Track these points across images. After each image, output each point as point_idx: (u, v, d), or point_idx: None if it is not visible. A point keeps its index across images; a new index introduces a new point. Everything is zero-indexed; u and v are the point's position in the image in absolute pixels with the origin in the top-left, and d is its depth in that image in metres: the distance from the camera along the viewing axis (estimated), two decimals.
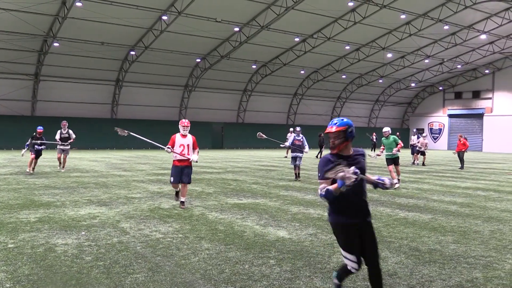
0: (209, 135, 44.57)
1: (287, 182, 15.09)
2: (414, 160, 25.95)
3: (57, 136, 17.79)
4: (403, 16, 34.43)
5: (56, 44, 32.71)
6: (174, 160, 9.91)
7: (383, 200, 11.32)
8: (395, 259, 6.12)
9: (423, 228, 8.07)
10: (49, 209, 9.35)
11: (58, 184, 13.70)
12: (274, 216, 8.99)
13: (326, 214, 9.27)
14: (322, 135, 31.66)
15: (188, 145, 9.90)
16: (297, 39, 37.55)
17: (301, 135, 16.29)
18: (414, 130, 27.23)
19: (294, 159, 16.01)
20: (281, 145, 16.57)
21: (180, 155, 9.77)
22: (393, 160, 14.42)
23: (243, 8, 31.70)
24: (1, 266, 5.53)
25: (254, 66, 42.94)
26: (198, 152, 10.08)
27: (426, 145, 25.82)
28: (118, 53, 36.60)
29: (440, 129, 57.24)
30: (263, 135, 16.83)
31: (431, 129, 57.70)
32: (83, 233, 7.29)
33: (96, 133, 37.85)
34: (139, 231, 7.46)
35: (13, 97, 36.13)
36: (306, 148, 15.98)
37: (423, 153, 25.43)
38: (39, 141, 16.71)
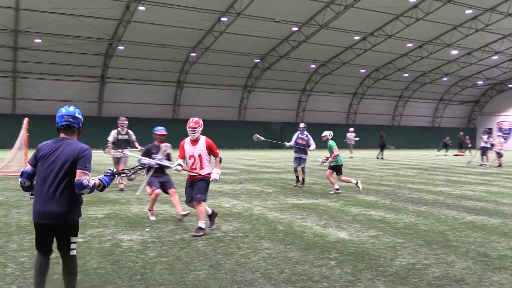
0: (268, 135, 44.40)
1: (347, 183, 14.85)
2: (484, 161, 24.55)
3: (111, 138, 12.71)
4: (469, 11, 33.00)
5: (120, 47, 34.02)
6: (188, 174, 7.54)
7: (448, 203, 10.90)
8: (462, 264, 5.87)
9: (492, 233, 7.69)
10: (115, 206, 9.71)
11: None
12: (334, 217, 8.88)
13: (387, 215, 9.06)
14: (384, 135, 30.90)
15: (200, 155, 7.29)
16: (357, 38, 36.95)
17: (305, 133, 13.93)
18: (483, 130, 25.90)
19: (296, 160, 13.90)
20: (286, 144, 14.50)
21: (191, 171, 7.37)
22: (334, 167, 12.46)
23: (301, 7, 31.56)
24: None
25: (313, 66, 42.66)
26: (220, 160, 7.40)
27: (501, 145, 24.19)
28: (179, 55, 37.52)
29: (510, 129, 54.39)
30: (260, 137, 14.45)
31: (500, 128, 54.89)
32: (147, 229, 7.51)
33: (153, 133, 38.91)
34: None
35: (82, 99, 37.88)
36: (312, 146, 13.79)
37: (500, 155, 23.78)
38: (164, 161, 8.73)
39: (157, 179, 8.63)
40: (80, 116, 4.32)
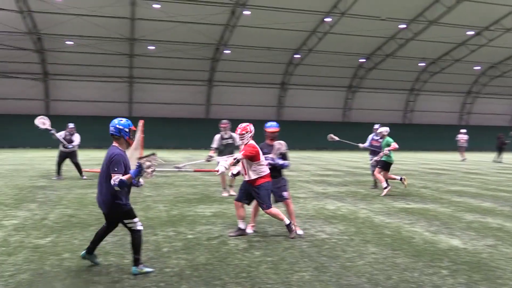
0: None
1: (460, 187, 13.99)
2: None
3: (215, 144, 11.59)
4: None
5: (227, 51, 35.15)
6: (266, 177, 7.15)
7: None
8: None
9: None
10: (222, 205, 10.02)
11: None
12: (445, 223, 8.38)
13: (507, 224, 8.38)
14: (503, 136, 28.62)
15: (242, 161, 7.11)
16: (470, 33, 34.71)
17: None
18: None
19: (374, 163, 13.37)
20: (360, 146, 14.07)
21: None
22: (384, 165, 12.17)
23: (409, 3, 30.40)
24: (182, 254, 6.08)
25: (422, 64, 40.81)
26: (236, 160, 6.95)
27: None
28: (283, 57, 37.91)
29: None
30: (335, 137, 13.98)
31: None
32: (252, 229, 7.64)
33: (261, 134, 39.56)
34: (305, 230, 7.56)
35: (191, 102, 39.78)
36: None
37: None
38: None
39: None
40: (121, 127, 5.39)
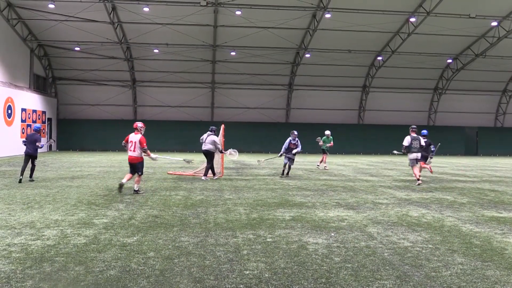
0: (462, 141, 41.34)
1: None
2: None
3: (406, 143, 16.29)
4: None
5: (307, 55, 35.05)
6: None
7: None
8: None
9: None
10: (301, 209, 9.98)
11: (309, 186, 14.56)
12: None
13: None
14: None
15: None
16: None
17: (296, 139, 17.28)
18: None
19: (286, 159, 17.32)
20: (278, 154, 17.85)
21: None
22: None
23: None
24: (261, 257, 6.12)
25: None
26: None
27: None
28: (365, 59, 37.13)
29: None
30: (261, 159, 20.32)
31: None
32: (332, 234, 7.55)
33: (344, 138, 38.98)
34: (387, 237, 7.35)
35: (272, 106, 40.07)
36: (298, 148, 17.20)
37: None
38: None
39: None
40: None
